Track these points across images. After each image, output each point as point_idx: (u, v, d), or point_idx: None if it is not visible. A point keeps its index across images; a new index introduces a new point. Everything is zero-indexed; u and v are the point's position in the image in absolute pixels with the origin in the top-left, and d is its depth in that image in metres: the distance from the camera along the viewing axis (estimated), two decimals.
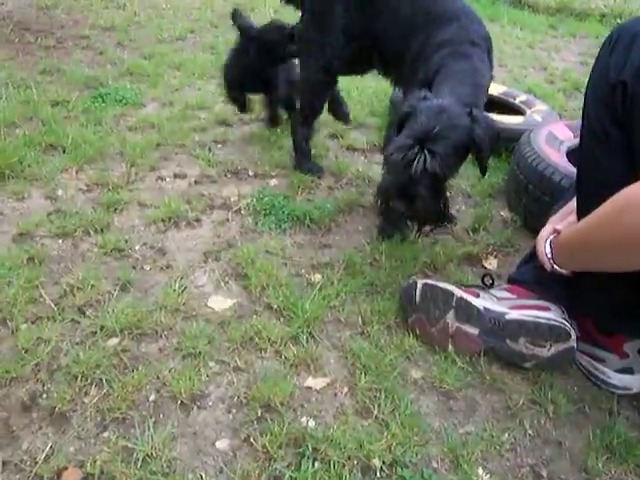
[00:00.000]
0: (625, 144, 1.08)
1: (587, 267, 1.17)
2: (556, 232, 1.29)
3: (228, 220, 1.78)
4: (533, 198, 1.82)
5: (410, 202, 1.37)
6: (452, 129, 1.34)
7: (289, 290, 1.46)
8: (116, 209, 1.77)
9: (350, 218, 1.87)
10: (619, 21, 5.82)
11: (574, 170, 1.31)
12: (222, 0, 5.02)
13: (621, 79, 1.06)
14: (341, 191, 2.01)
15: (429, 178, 1.34)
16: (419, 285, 1.37)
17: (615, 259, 1.06)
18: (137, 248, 1.61)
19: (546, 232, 1.32)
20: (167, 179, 1.99)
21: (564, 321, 1.29)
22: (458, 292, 1.32)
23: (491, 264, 1.71)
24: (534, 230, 1.82)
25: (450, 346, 1.35)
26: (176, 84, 2.88)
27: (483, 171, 1.49)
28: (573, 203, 1.33)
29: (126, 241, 1.62)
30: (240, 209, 1.83)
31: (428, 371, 1.30)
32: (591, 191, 1.22)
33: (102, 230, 1.66)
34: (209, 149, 2.21)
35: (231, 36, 3.86)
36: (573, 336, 1.28)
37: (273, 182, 2.02)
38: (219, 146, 2.27)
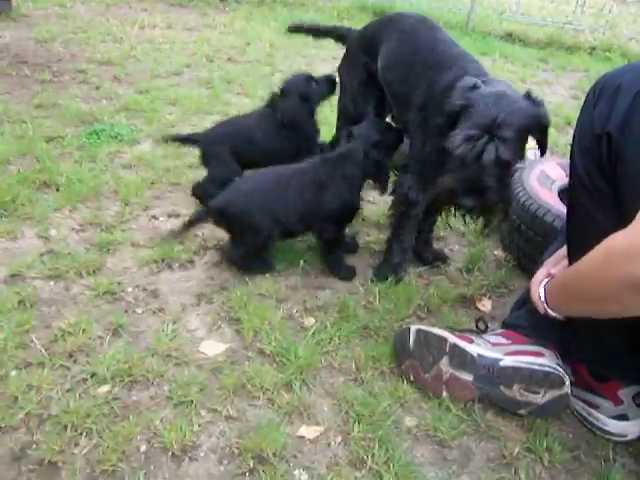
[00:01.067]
0: (613, 196, 1.11)
1: (577, 313, 1.19)
2: (550, 276, 1.31)
3: (222, 261, 1.79)
4: (526, 238, 1.85)
5: (481, 196, 1.34)
6: (515, 114, 1.32)
7: (282, 334, 1.47)
8: (109, 250, 1.79)
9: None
10: (608, 54, 6.00)
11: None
12: (218, 34, 5.15)
13: (606, 130, 1.10)
14: None
15: (499, 167, 1.32)
16: (412, 331, 1.38)
17: (602, 306, 1.08)
18: (129, 290, 1.62)
19: (541, 275, 1.34)
20: (161, 219, 2.01)
21: (558, 367, 1.30)
22: (452, 338, 1.34)
23: (485, 306, 1.73)
24: (527, 270, 1.86)
25: (444, 392, 1.36)
26: (172, 120, 2.93)
27: (544, 151, 1.50)
28: (564, 247, 1.36)
29: (119, 283, 1.63)
30: None
31: (422, 419, 1.31)
32: (580, 240, 1.25)
33: (94, 272, 1.67)
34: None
35: (226, 70, 3.98)
36: (567, 383, 1.29)
37: None
38: None
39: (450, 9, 6.83)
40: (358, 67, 2.01)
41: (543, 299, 1.28)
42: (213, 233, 1.94)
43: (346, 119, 2.07)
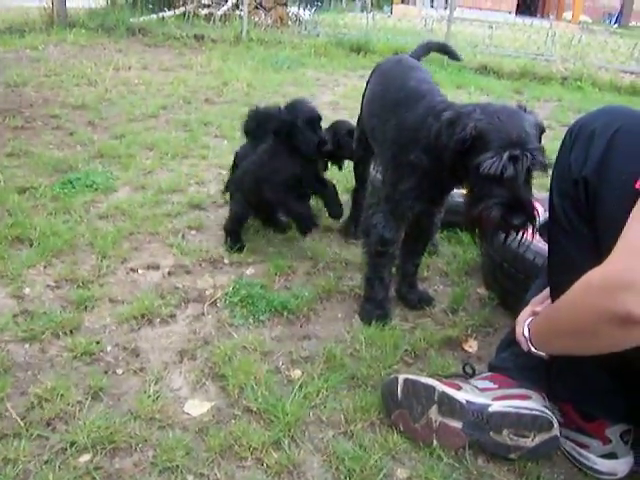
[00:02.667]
0: (591, 237, 1.16)
1: (560, 350, 1.22)
2: (535, 314, 1.35)
3: (204, 314, 1.80)
4: (507, 276, 1.89)
5: (525, 211, 1.39)
6: (530, 124, 1.41)
7: (268, 390, 1.47)
8: (86, 307, 1.78)
9: (329, 305, 1.91)
10: (579, 84, 6.24)
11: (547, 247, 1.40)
12: (195, 74, 5.25)
13: (582, 175, 1.16)
14: (319, 276, 2.06)
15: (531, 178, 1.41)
16: (400, 381, 1.40)
17: (583, 342, 1.11)
18: (109, 350, 1.61)
19: (525, 314, 1.38)
20: (139, 271, 2.01)
21: (546, 409, 1.33)
22: (440, 387, 1.36)
23: (471, 347, 1.76)
24: (511, 308, 1.89)
25: (435, 441, 1.37)
26: (148, 166, 2.96)
27: None
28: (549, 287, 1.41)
29: (97, 342, 1.62)
30: (216, 302, 1.86)
31: (414, 470, 1.31)
32: (560, 278, 1.29)
33: (72, 331, 1.66)
34: (182, 236, 2.26)
35: (203, 112, 4.04)
36: (556, 425, 1.32)
37: (249, 270, 2.07)
38: (193, 232, 2.32)
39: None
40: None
41: (527, 337, 1.31)
42: (194, 285, 1.94)
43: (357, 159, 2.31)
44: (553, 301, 1.32)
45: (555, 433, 1.31)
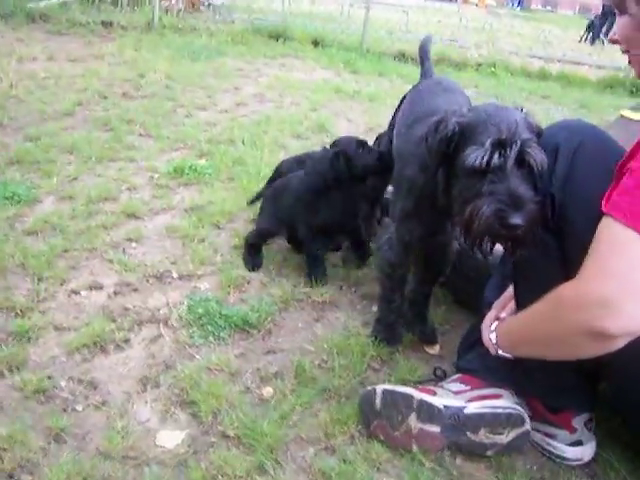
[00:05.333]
0: (557, 248, 1.24)
1: (530, 355, 1.31)
2: (499, 319, 1.44)
3: (161, 336, 1.73)
4: (459, 275, 1.97)
5: (524, 209, 1.18)
6: (524, 117, 1.28)
7: (243, 412, 1.45)
8: (30, 338, 1.65)
9: (288, 315, 1.90)
10: (493, 70, 6.57)
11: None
12: (107, 65, 4.96)
13: (549, 191, 1.22)
14: (273, 285, 2.04)
15: (532, 175, 1.23)
16: (379, 392, 1.42)
17: (553, 350, 1.21)
18: (63, 385, 1.51)
19: (490, 319, 1.46)
20: (82, 293, 1.90)
21: (517, 406, 1.41)
22: (417, 395, 1.40)
23: (434, 348, 1.82)
24: (466, 306, 1.99)
25: (414, 447, 1.41)
26: (72, 172, 2.77)
27: None
28: (511, 288, 1.49)
29: (49, 378, 1.52)
30: (171, 321, 1.79)
31: (399, 477, 1.35)
32: (527, 287, 1.38)
33: (18, 368, 1.54)
34: (123, 250, 2.15)
35: (123, 108, 3.83)
36: (527, 420, 1.41)
37: (202, 284, 2.00)
38: (134, 245, 2.21)
39: (343, 31, 7.13)
40: (389, 128, 2.11)
41: (494, 342, 1.39)
42: (145, 304, 1.86)
43: None
44: (519, 305, 1.41)
45: (527, 428, 1.40)
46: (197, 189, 2.76)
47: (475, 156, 1.21)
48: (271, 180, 2.49)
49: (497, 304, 1.51)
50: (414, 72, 6.23)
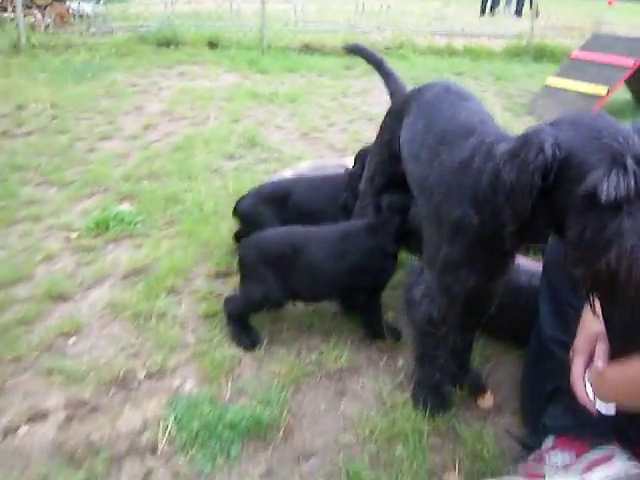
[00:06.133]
0: None
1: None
2: (592, 368, 1.18)
3: (151, 472, 1.27)
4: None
5: None
6: (617, 124, 1.00)
7: None
8: None
9: (303, 397, 1.51)
10: (402, 52, 6.42)
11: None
12: None
13: None
14: (271, 361, 1.62)
15: None
16: None
17: None
18: None
19: (580, 369, 1.20)
20: (22, 428, 1.38)
21: (631, 461, 1.17)
22: None
23: (487, 400, 1.52)
24: (504, 337, 1.71)
25: None
26: None
27: None
28: (587, 323, 1.21)
29: None
30: (160, 447, 1.33)
31: None
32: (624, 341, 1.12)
33: None
34: (60, 351, 1.64)
35: (8, 151, 3.12)
36: None
37: (181, 380, 1.54)
38: (72, 340, 1.69)
39: (239, 29, 6.67)
40: (380, 145, 1.77)
41: (593, 397, 1.15)
42: (115, 429, 1.38)
43: (362, 199, 1.85)
44: (614, 356, 1.15)
45: None
46: (131, 244, 2.25)
47: (615, 184, 0.91)
48: (250, 227, 1.98)
49: (580, 349, 1.23)
50: (323, 63, 5.95)
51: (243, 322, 1.68)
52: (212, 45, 6.30)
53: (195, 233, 2.27)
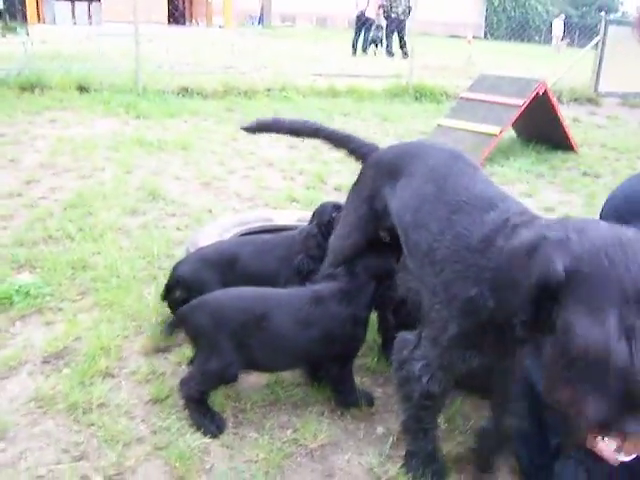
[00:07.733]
0: None
1: None
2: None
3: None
4: None
5: None
6: None
7: None
8: None
9: None
10: (285, 94, 6.59)
11: None
12: None
13: None
14: (245, 443, 1.55)
15: None
16: None
17: None
18: None
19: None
20: None
21: None
22: None
23: None
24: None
25: None
26: None
27: None
28: None
29: None
30: None
31: None
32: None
33: None
34: None
35: None
36: None
37: None
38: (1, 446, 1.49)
39: (113, 70, 6.41)
40: (357, 201, 1.67)
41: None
42: None
43: (333, 258, 1.74)
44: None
45: None
46: (43, 321, 2.03)
47: (587, 337, 0.90)
48: (190, 293, 1.81)
49: None
50: (206, 107, 5.91)
51: (204, 405, 1.57)
52: (82, 89, 5.98)
53: (116, 303, 2.11)
